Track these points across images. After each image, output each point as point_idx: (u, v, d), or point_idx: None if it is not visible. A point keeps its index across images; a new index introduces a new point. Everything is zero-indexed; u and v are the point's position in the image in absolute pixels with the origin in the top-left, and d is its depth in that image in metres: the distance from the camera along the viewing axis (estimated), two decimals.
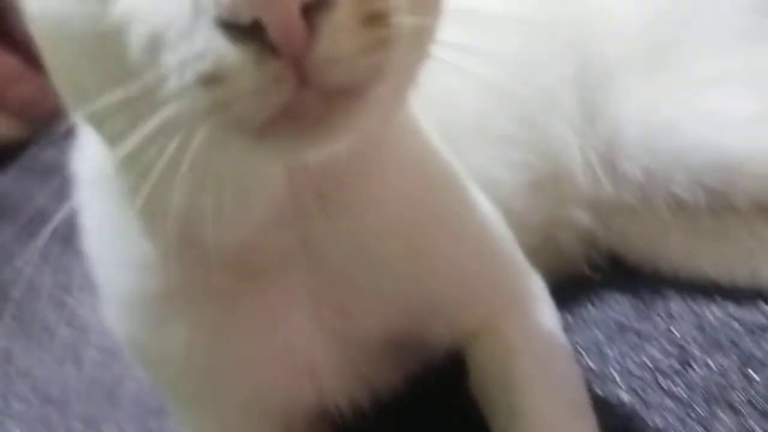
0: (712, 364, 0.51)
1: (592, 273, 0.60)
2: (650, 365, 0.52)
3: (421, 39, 0.33)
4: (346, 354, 0.44)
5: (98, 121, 0.33)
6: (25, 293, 0.97)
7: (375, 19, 0.26)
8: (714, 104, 0.52)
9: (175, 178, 0.28)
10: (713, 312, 0.55)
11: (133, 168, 0.33)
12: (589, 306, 0.59)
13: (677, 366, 0.51)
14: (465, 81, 0.56)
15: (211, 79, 0.25)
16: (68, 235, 0.99)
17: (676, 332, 0.54)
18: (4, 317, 0.94)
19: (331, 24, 0.24)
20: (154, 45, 0.27)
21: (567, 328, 0.54)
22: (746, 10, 0.57)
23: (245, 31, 0.24)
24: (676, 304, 0.56)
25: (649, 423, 0.48)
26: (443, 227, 0.46)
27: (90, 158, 0.43)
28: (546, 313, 0.50)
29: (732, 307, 0.55)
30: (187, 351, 0.41)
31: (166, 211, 0.34)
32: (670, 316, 0.56)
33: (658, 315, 0.56)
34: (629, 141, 0.54)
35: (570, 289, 0.59)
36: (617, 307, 0.58)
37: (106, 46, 0.28)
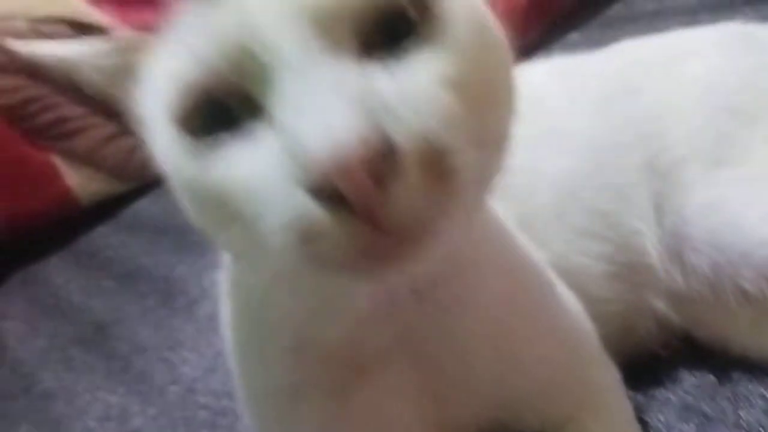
0: None
1: (664, 352, 0.63)
2: None
3: (491, 170, 0.36)
4: None
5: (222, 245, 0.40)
6: (131, 349, 1.06)
7: (442, 174, 0.30)
8: None
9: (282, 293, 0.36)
10: None
11: (255, 282, 0.42)
12: (659, 385, 0.61)
13: None
14: (540, 177, 0.61)
15: (308, 237, 0.30)
16: (167, 293, 1.08)
17: (743, 416, 0.56)
18: (112, 373, 1.03)
19: (400, 186, 0.28)
20: (253, 207, 0.32)
21: (637, 408, 0.58)
22: None
23: (332, 197, 0.28)
24: (745, 388, 0.58)
25: None
26: (531, 325, 0.50)
27: (227, 270, 0.51)
28: (623, 405, 0.55)
29: None
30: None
31: (281, 316, 0.43)
32: (738, 398, 0.58)
33: (726, 398, 0.58)
34: (695, 236, 0.57)
35: (641, 366, 0.62)
36: (687, 387, 0.61)
37: (211, 199, 0.34)
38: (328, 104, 0.28)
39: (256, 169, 0.31)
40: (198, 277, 1.13)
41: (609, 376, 0.56)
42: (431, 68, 0.32)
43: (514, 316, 0.49)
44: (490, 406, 0.50)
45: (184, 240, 1.24)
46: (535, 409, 0.52)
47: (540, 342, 0.50)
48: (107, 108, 1.61)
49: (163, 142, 0.36)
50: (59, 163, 1.54)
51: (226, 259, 0.50)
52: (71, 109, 1.55)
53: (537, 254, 0.55)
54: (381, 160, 0.27)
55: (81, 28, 1.56)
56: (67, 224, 1.53)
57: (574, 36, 1.30)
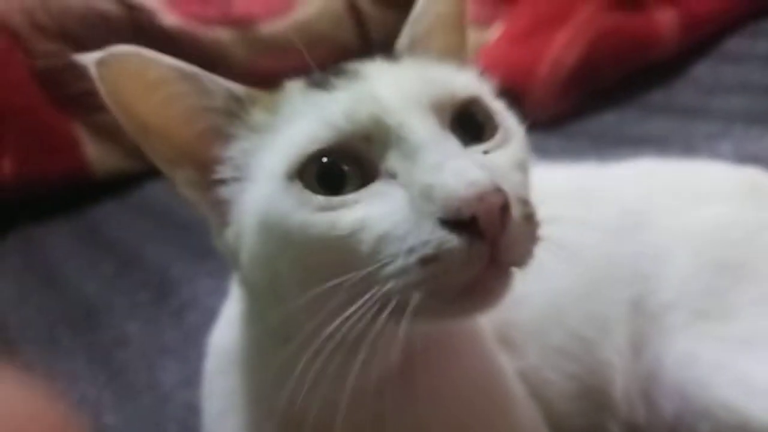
0: None
1: None
2: None
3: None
4: None
5: (289, 309, 0.44)
6: (115, 341, 1.07)
7: (530, 217, 0.41)
8: (743, 368, 0.58)
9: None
10: None
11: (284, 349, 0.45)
12: None
13: None
14: (532, 289, 0.63)
15: (431, 259, 0.38)
16: (161, 290, 1.09)
17: None
18: (93, 362, 1.04)
19: (511, 219, 0.38)
20: (380, 243, 0.39)
21: None
22: None
23: (463, 224, 0.37)
24: None
25: None
26: (486, 429, 0.53)
27: (224, 336, 0.53)
28: None
29: None
30: None
31: (271, 385, 0.45)
32: None
33: None
34: (667, 382, 0.60)
35: None
36: None
37: (334, 247, 0.40)
38: (465, 165, 0.38)
39: (385, 214, 0.40)
40: (193, 281, 1.14)
41: None
42: (501, 156, 0.45)
43: (471, 417, 0.52)
44: None
45: (187, 233, 1.25)
46: None
47: None
48: None
49: (274, 194, 0.42)
50: (81, 133, 1.55)
51: (229, 334, 0.54)
52: None
53: (506, 361, 0.58)
54: (504, 205, 0.37)
55: (129, 8, 1.58)
56: (77, 194, 1.55)
57: (609, 117, 1.31)
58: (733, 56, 1.39)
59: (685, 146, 1.11)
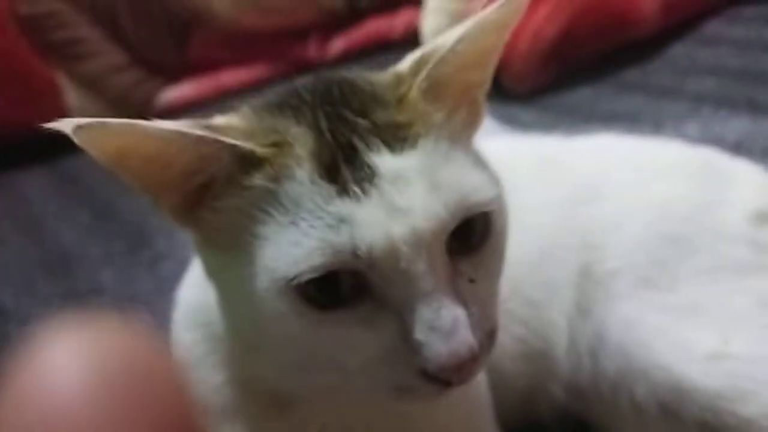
0: None
1: (555, 427, 0.70)
2: None
3: None
4: None
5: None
6: (89, 289, 1.10)
7: (492, 345, 0.45)
8: (683, 334, 0.61)
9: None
10: None
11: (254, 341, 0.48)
12: None
13: None
14: None
15: (403, 391, 0.43)
16: (136, 241, 1.12)
17: None
18: (67, 308, 1.06)
19: (477, 367, 0.42)
20: (363, 365, 0.43)
21: None
22: (742, 241, 0.66)
23: (438, 378, 0.41)
24: None
25: None
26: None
27: (196, 294, 0.56)
28: None
29: None
30: None
31: (253, 368, 0.51)
32: None
33: None
34: (610, 343, 0.64)
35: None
36: None
37: (318, 356, 0.44)
38: (454, 331, 0.41)
39: (373, 346, 0.42)
40: (168, 234, 1.16)
41: None
42: (489, 270, 0.46)
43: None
44: None
45: None
46: None
47: (441, 411, 0.55)
48: (124, 36, 1.63)
49: (269, 294, 0.42)
50: (63, 81, 1.55)
51: (201, 293, 0.53)
52: (88, 31, 1.56)
53: None
54: (474, 362, 0.42)
55: None
56: (56, 143, 1.54)
57: (585, 91, 1.33)
58: (710, 39, 1.41)
59: (654, 125, 1.15)
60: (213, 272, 0.48)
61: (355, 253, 0.40)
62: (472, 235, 0.45)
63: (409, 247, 0.41)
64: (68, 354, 0.19)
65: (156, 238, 1.17)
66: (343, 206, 0.41)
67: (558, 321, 0.67)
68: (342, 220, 0.41)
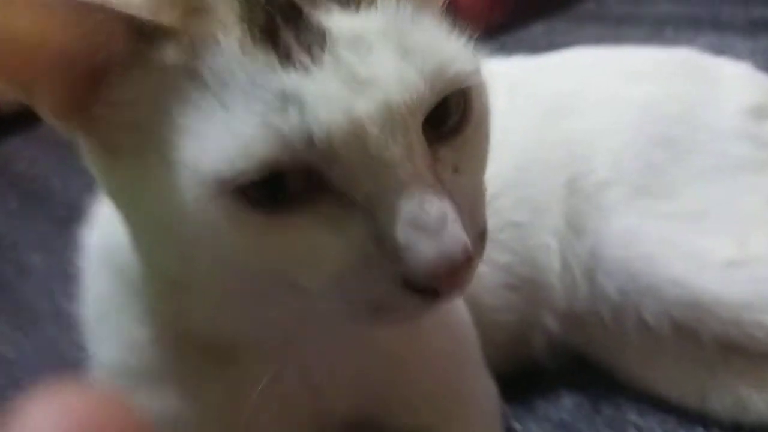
0: None
1: (552, 367, 0.63)
2: None
3: None
4: (309, 428, 0.47)
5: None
6: (18, 272, 1.00)
7: (482, 249, 0.37)
8: (692, 242, 0.54)
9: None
10: (653, 427, 0.57)
11: (175, 279, 0.39)
12: (540, 399, 0.62)
13: None
14: None
15: (382, 309, 0.34)
16: (67, 221, 1.01)
17: None
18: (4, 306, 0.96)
19: (470, 272, 0.34)
20: (327, 283, 0.34)
21: (515, 418, 0.59)
22: (741, 137, 0.59)
23: (424, 288, 0.33)
24: (623, 415, 0.59)
25: None
26: (425, 330, 0.48)
27: (104, 235, 0.46)
28: (493, 422, 0.54)
29: (672, 424, 0.57)
30: (159, 422, 0.43)
31: (183, 315, 0.41)
32: (613, 424, 0.58)
33: (603, 422, 0.59)
34: (609, 259, 0.56)
35: (527, 377, 0.62)
36: (567, 405, 0.61)
37: (268, 274, 0.34)
38: (442, 227, 0.32)
39: (339, 252, 0.33)
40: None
41: (484, 391, 0.54)
42: (473, 156, 0.37)
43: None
44: (363, 401, 0.48)
45: None
46: (405, 409, 0.50)
47: (427, 348, 0.49)
48: None
49: (198, 200, 0.32)
50: None
51: (108, 235, 0.44)
52: None
53: None
54: (468, 264, 0.33)
55: None
56: None
57: (538, 27, 1.27)
58: None
59: None
60: (116, 191, 0.38)
61: (309, 140, 0.31)
62: (449, 117, 0.36)
63: (380, 127, 0.31)
64: (46, 423, 0.23)
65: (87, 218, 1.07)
66: (288, 79, 0.31)
67: (548, 242, 0.59)
68: (287, 97, 0.31)
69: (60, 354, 0.79)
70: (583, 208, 0.59)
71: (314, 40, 0.32)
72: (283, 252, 0.33)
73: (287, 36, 0.32)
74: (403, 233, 0.32)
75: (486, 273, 0.58)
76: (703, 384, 0.56)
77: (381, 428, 0.50)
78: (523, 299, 0.60)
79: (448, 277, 0.32)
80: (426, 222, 0.32)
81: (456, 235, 0.32)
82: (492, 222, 0.57)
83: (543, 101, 0.64)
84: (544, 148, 0.61)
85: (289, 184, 0.32)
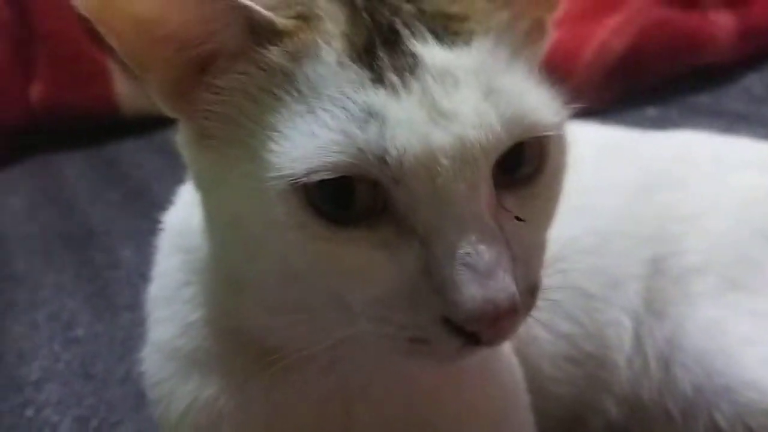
0: None
1: None
2: None
3: None
4: None
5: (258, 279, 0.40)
6: (107, 263, 1.05)
7: (532, 304, 0.37)
8: None
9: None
10: None
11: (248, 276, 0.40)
12: None
13: None
14: None
15: (420, 341, 0.34)
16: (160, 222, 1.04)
17: None
18: (80, 279, 1.02)
19: (513, 324, 0.35)
20: (373, 302, 0.35)
21: None
22: None
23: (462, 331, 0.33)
24: None
25: None
26: (476, 373, 0.47)
27: (181, 219, 0.48)
28: None
29: None
30: (195, 406, 0.45)
31: (236, 312, 0.43)
32: None
33: None
34: (688, 351, 0.54)
35: None
36: None
37: (321, 279, 0.36)
38: (492, 274, 0.33)
39: (389, 277, 0.34)
40: None
41: None
42: (540, 211, 0.37)
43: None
44: None
45: None
46: None
47: (470, 399, 0.47)
48: None
49: (271, 194, 0.34)
50: (114, 68, 1.54)
51: (188, 221, 0.46)
52: None
53: None
54: (512, 316, 0.34)
55: None
56: (100, 129, 1.54)
57: (651, 110, 1.25)
58: None
59: None
60: (201, 177, 0.40)
61: (382, 157, 0.32)
62: (523, 166, 0.36)
63: (451, 161, 0.33)
64: None
65: None
66: (375, 97, 0.33)
67: (620, 319, 0.57)
68: (372, 113, 0.33)
69: (130, 346, 0.83)
70: (667, 290, 0.56)
71: (406, 66, 0.34)
72: (337, 264, 0.34)
73: (383, 57, 0.34)
74: (453, 271, 0.32)
75: (548, 341, 0.56)
76: None
77: None
78: (584, 375, 0.58)
79: (490, 323, 0.33)
80: (477, 265, 0.32)
81: (505, 283, 0.32)
82: (560, 290, 0.57)
83: (640, 172, 0.63)
84: (632, 220, 0.59)
85: (357, 199, 0.33)
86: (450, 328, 0.33)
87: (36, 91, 1.52)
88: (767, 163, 0.63)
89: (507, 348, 0.52)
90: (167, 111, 0.38)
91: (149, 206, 1.17)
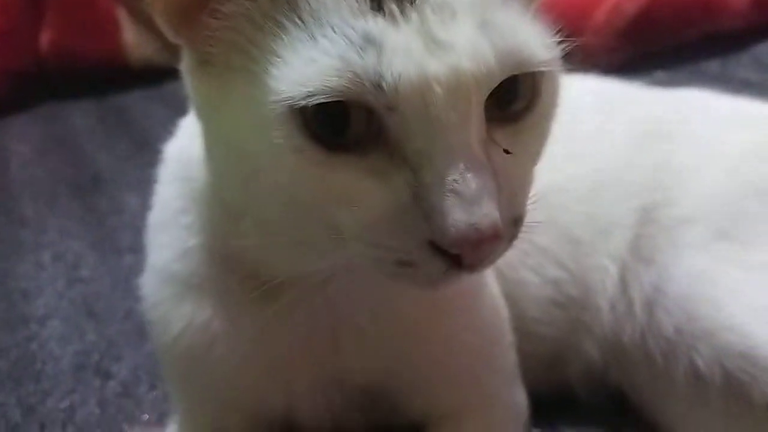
0: None
1: (587, 397, 0.61)
2: None
3: None
4: (323, 386, 0.49)
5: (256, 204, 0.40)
6: (111, 209, 1.07)
7: (515, 235, 0.38)
8: (761, 296, 0.52)
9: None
10: None
11: (245, 201, 0.41)
12: (567, 428, 0.59)
13: None
14: None
15: (406, 264, 0.36)
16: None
17: None
18: (85, 223, 1.04)
19: (495, 251, 0.36)
20: (364, 227, 0.36)
21: None
22: None
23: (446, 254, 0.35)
24: None
25: None
26: (459, 309, 0.49)
27: (182, 148, 0.49)
28: (512, 424, 0.53)
29: None
30: (189, 328, 0.47)
31: (233, 240, 0.43)
32: None
33: None
34: (672, 296, 0.54)
35: (557, 401, 0.60)
36: None
37: (316, 202, 0.36)
38: (477, 200, 0.34)
39: (379, 203, 0.35)
40: None
41: (511, 396, 0.54)
42: (529, 146, 0.38)
43: (447, 293, 0.46)
44: (382, 373, 0.49)
45: None
46: (423, 391, 0.51)
47: (455, 330, 0.49)
48: None
49: (269, 117, 0.35)
50: (123, 18, 1.54)
51: (187, 150, 0.47)
52: None
53: None
54: (494, 242, 0.35)
55: None
56: (108, 78, 1.55)
57: (660, 74, 1.24)
58: None
59: None
60: (203, 103, 0.40)
61: (378, 83, 0.33)
62: (515, 101, 0.37)
63: (445, 90, 0.33)
64: None
65: None
66: (374, 24, 0.34)
67: (606, 265, 0.58)
68: (370, 40, 0.33)
69: (132, 286, 0.85)
70: (656, 238, 0.57)
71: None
72: (331, 188, 0.35)
73: None
74: (440, 197, 0.34)
75: (535, 284, 0.58)
76: None
77: (395, 408, 0.51)
78: (567, 318, 0.59)
79: (472, 247, 0.34)
80: (464, 192, 0.33)
81: (489, 210, 0.34)
82: (550, 236, 0.58)
83: (641, 123, 0.63)
84: (626, 169, 0.60)
85: (351, 126, 0.34)
86: (435, 251, 0.35)
87: (45, 39, 1.53)
88: (765, 121, 0.63)
89: (494, 289, 0.53)
90: (170, 35, 0.38)
91: (155, 155, 1.19)
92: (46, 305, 0.84)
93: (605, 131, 0.62)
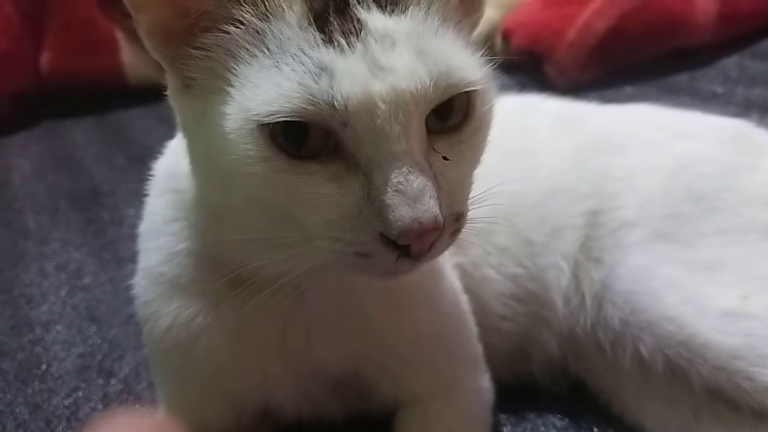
0: None
1: (549, 386, 0.67)
2: None
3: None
4: (297, 376, 0.54)
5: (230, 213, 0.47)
6: (112, 220, 1.12)
7: (458, 230, 0.44)
8: (698, 289, 0.58)
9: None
10: None
11: (222, 212, 0.47)
12: (532, 414, 0.65)
13: None
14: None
15: (363, 255, 0.42)
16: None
17: None
18: (87, 234, 1.09)
19: (438, 243, 0.42)
20: (325, 224, 0.42)
21: (500, 424, 0.63)
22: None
23: (396, 245, 0.41)
24: None
25: None
26: (418, 302, 0.55)
27: (170, 164, 0.55)
28: (478, 410, 0.59)
29: None
30: (176, 323, 0.53)
31: (217, 244, 0.50)
32: None
33: None
34: (618, 292, 0.60)
35: (522, 391, 0.66)
36: (554, 424, 0.64)
37: (283, 206, 0.42)
38: (420, 198, 0.40)
39: (338, 204, 0.41)
40: None
41: (475, 380, 0.60)
42: (465, 153, 0.44)
43: (407, 288, 0.54)
44: (354, 361, 0.54)
45: None
46: (393, 377, 0.56)
47: (421, 318, 0.55)
48: None
49: (241, 134, 0.41)
50: (121, 39, 1.60)
51: (174, 165, 0.54)
52: None
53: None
54: (436, 233, 0.41)
55: None
56: (107, 97, 1.60)
57: (628, 89, 1.30)
58: (764, 54, 1.37)
59: None
60: (186, 123, 0.47)
61: (331, 103, 0.39)
62: (452, 115, 0.44)
63: (387, 105, 0.40)
64: None
65: None
66: (326, 55, 0.41)
67: (559, 264, 0.64)
68: (323, 68, 0.40)
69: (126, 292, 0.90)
70: (603, 240, 0.63)
71: (352, 30, 0.41)
72: (296, 192, 0.41)
73: (334, 22, 0.41)
74: (388, 196, 0.40)
75: (497, 280, 0.64)
76: (689, 428, 0.58)
77: (366, 395, 0.57)
78: (527, 312, 0.65)
79: (417, 238, 0.40)
80: (407, 191, 0.40)
81: (430, 206, 0.40)
82: (509, 237, 0.64)
83: (588, 135, 0.70)
84: (575, 178, 0.66)
85: (311, 139, 0.41)
86: (386, 242, 0.41)
87: (45, 60, 1.58)
88: (705, 135, 0.69)
89: (455, 284, 0.59)
90: (154, 54, 0.45)
91: (152, 170, 1.25)
92: (50, 311, 0.89)
93: (559, 147, 0.68)
